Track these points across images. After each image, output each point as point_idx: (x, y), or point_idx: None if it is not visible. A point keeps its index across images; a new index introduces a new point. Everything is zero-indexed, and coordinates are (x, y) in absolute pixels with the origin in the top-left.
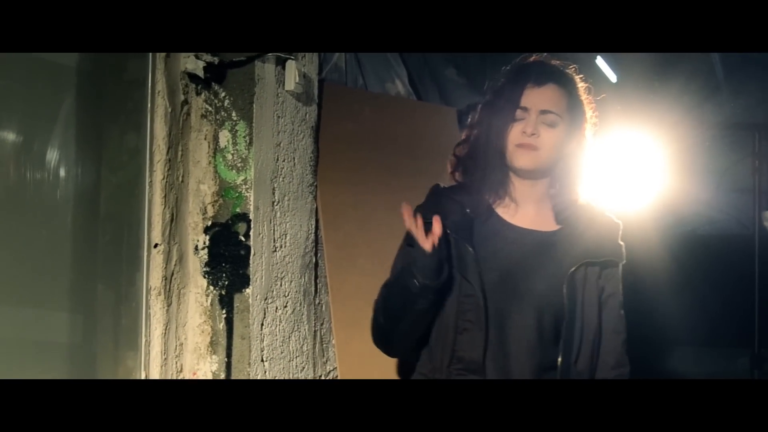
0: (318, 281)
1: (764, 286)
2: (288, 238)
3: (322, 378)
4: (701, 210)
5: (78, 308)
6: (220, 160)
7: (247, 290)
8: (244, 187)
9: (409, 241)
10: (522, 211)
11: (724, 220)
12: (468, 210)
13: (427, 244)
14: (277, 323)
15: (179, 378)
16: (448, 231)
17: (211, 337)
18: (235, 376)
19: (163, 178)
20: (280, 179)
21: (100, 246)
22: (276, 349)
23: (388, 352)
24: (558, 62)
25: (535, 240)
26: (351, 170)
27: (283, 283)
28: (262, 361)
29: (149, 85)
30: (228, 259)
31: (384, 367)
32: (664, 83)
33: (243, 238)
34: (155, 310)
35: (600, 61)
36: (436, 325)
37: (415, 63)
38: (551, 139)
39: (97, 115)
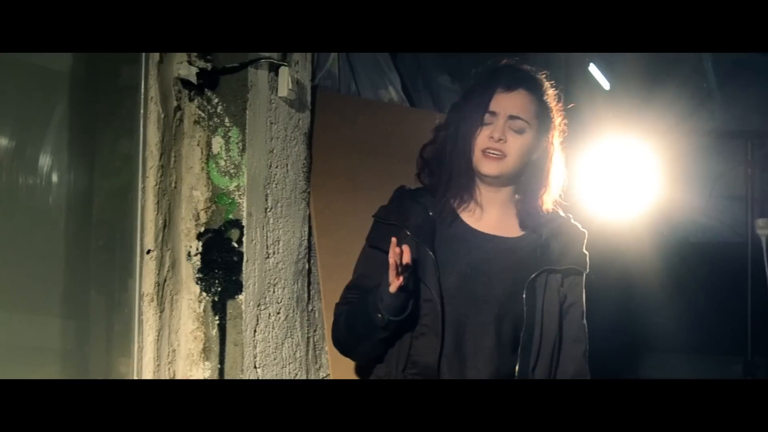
0: (311, 288)
1: (757, 293)
2: (281, 244)
3: None
4: (694, 217)
5: (70, 314)
6: (213, 166)
7: (240, 297)
8: (237, 193)
9: (372, 242)
10: (486, 216)
11: (717, 228)
12: (431, 213)
13: (393, 285)
14: (270, 330)
15: None
16: (408, 233)
17: (204, 344)
18: None
19: (156, 184)
20: (273, 186)
21: (93, 252)
22: (269, 355)
23: (347, 356)
24: (529, 67)
25: (497, 246)
26: (344, 177)
27: (276, 289)
28: (255, 367)
29: (142, 91)
30: (221, 266)
31: None
32: (657, 90)
33: (236, 245)
34: (148, 316)
35: (593, 68)
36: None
37: (408, 70)
38: (518, 145)
39: (89, 121)
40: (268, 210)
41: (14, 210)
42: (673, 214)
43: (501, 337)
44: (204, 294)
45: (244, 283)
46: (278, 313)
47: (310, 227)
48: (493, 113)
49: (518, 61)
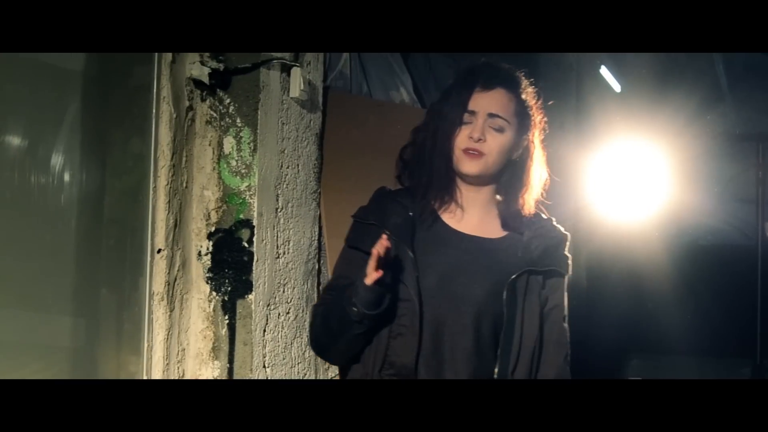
0: (320, 288)
1: (766, 296)
2: (291, 244)
3: None
4: (704, 220)
5: (81, 312)
6: (224, 166)
7: (250, 296)
8: (248, 193)
9: (351, 242)
10: (467, 216)
11: (727, 230)
12: (411, 213)
13: (369, 277)
14: (280, 329)
15: None
16: (387, 232)
17: (214, 343)
18: None
19: (167, 184)
20: (284, 186)
21: (104, 251)
22: (278, 355)
23: (325, 359)
24: (507, 66)
25: (477, 246)
26: (355, 178)
27: (285, 289)
28: (264, 367)
29: (154, 90)
30: (231, 265)
31: None
32: (668, 93)
33: (246, 245)
34: (158, 315)
35: (604, 70)
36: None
37: (419, 71)
38: (498, 144)
39: (101, 121)
40: (279, 210)
41: (26, 209)
42: (683, 217)
43: (480, 338)
44: (214, 293)
45: (254, 282)
46: (288, 312)
47: (320, 228)
48: (472, 112)
49: (496, 60)
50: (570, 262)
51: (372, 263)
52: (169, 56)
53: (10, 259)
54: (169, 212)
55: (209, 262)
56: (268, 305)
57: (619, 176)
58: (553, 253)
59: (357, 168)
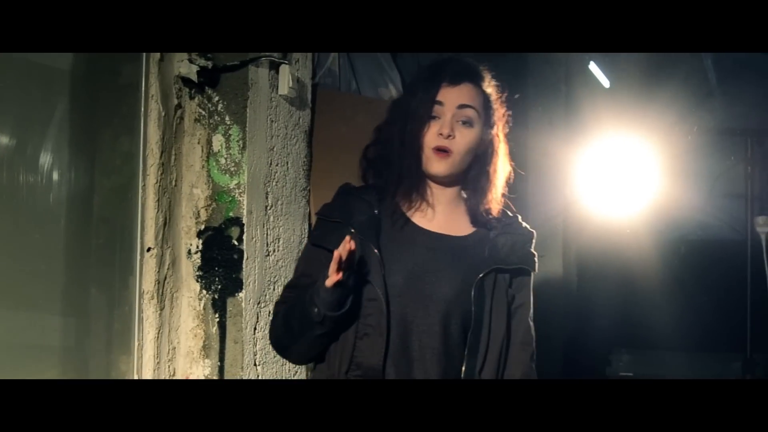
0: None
1: (756, 290)
2: (281, 242)
3: None
4: (694, 215)
5: (71, 312)
6: (214, 164)
7: (240, 294)
8: (237, 191)
9: (314, 240)
10: (436, 215)
11: (717, 226)
12: (376, 211)
13: (330, 279)
14: None
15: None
16: (353, 230)
17: (204, 341)
18: None
19: (157, 182)
20: (274, 183)
21: (93, 249)
22: (269, 353)
23: (285, 358)
24: (471, 60)
25: (444, 244)
26: (344, 175)
27: (276, 287)
28: (255, 365)
29: (143, 89)
30: (221, 263)
31: None
32: (657, 89)
33: (236, 242)
34: (148, 314)
35: (593, 66)
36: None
37: (408, 67)
38: (466, 142)
39: (90, 119)
40: (269, 208)
41: (15, 208)
42: (672, 212)
43: (449, 337)
44: (204, 292)
45: (244, 280)
46: None
47: (310, 225)
48: (441, 103)
49: (461, 56)
50: (537, 259)
51: (333, 265)
52: (157, 54)
53: None
54: (158, 211)
55: (199, 261)
56: (259, 303)
57: (609, 172)
58: (520, 251)
59: (346, 164)
